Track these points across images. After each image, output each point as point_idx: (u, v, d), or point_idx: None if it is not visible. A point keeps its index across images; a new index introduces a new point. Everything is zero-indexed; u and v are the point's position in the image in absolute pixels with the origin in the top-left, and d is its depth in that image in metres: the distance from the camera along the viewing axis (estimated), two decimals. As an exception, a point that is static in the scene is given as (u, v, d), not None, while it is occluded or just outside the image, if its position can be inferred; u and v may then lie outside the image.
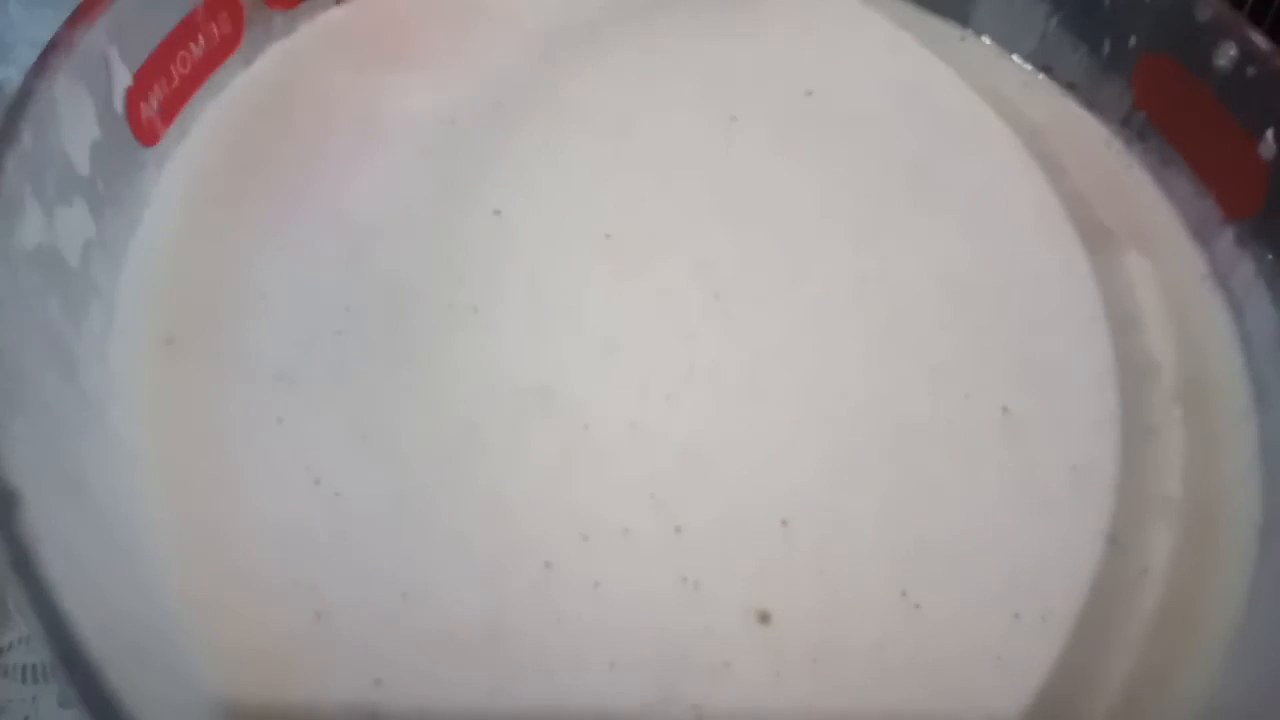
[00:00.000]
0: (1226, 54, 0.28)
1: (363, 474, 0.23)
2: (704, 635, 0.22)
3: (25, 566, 0.16)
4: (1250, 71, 0.27)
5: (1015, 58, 0.34)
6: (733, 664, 0.22)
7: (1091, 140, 0.32)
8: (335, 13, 0.32)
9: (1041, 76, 0.34)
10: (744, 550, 0.23)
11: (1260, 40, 0.27)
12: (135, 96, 0.25)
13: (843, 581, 0.23)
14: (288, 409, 0.24)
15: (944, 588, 0.23)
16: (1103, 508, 0.25)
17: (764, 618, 0.22)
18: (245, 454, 0.23)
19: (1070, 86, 0.33)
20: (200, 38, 0.27)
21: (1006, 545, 0.24)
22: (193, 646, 0.21)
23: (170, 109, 0.27)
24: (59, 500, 0.19)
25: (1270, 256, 0.27)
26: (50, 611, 0.16)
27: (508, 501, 0.23)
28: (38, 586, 0.16)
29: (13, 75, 0.51)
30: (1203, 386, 0.27)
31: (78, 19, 0.23)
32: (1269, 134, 0.27)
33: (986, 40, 0.35)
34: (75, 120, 0.23)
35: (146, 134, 0.26)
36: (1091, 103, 0.33)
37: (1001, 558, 0.24)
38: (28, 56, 0.51)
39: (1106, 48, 0.32)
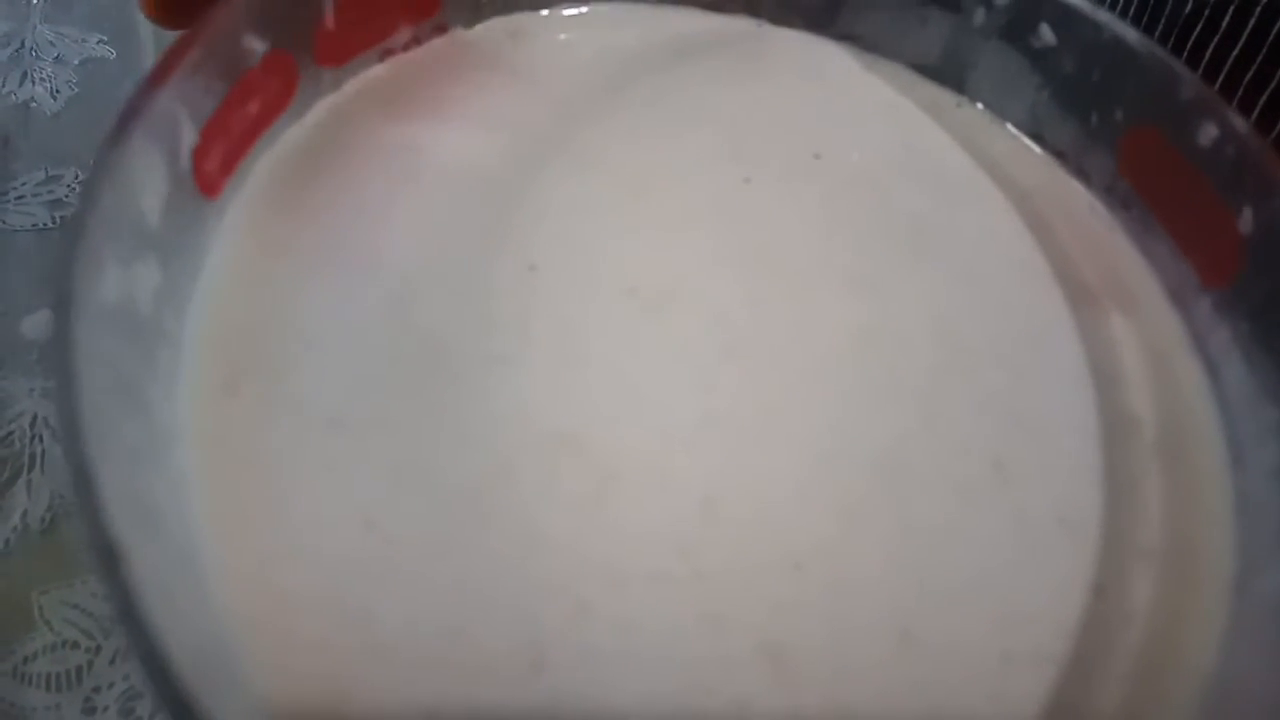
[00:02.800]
0: (1208, 133, 0.29)
1: (407, 514, 0.24)
2: (724, 671, 0.23)
3: (132, 617, 0.16)
4: (1230, 150, 0.28)
5: (1008, 125, 0.35)
6: (750, 697, 0.23)
7: (1077, 204, 0.33)
8: (377, 69, 0.32)
9: (1031, 143, 0.35)
10: (759, 592, 0.24)
11: (1239, 122, 0.28)
12: (200, 153, 0.26)
13: (850, 621, 0.24)
14: (338, 452, 0.25)
15: (942, 628, 0.24)
16: (1088, 556, 0.26)
17: (778, 654, 0.23)
18: (298, 492, 0.24)
19: (1059, 154, 0.34)
20: (257, 95, 0.28)
21: (1000, 590, 0.25)
22: (254, 674, 0.21)
23: (229, 162, 0.27)
24: (144, 540, 0.19)
25: (1245, 324, 0.28)
26: (157, 662, 0.17)
27: (543, 543, 0.24)
28: (144, 636, 0.16)
29: (39, 93, 0.52)
30: (1181, 442, 0.28)
31: (152, 83, 0.24)
32: (1247, 210, 0.28)
33: (980, 107, 0.35)
34: (148, 179, 0.24)
35: (209, 187, 0.26)
36: (1078, 169, 0.34)
37: (996, 601, 0.25)
38: (54, 73, 0.52)
39: (1094, 119, 0.33)
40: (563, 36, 0.36)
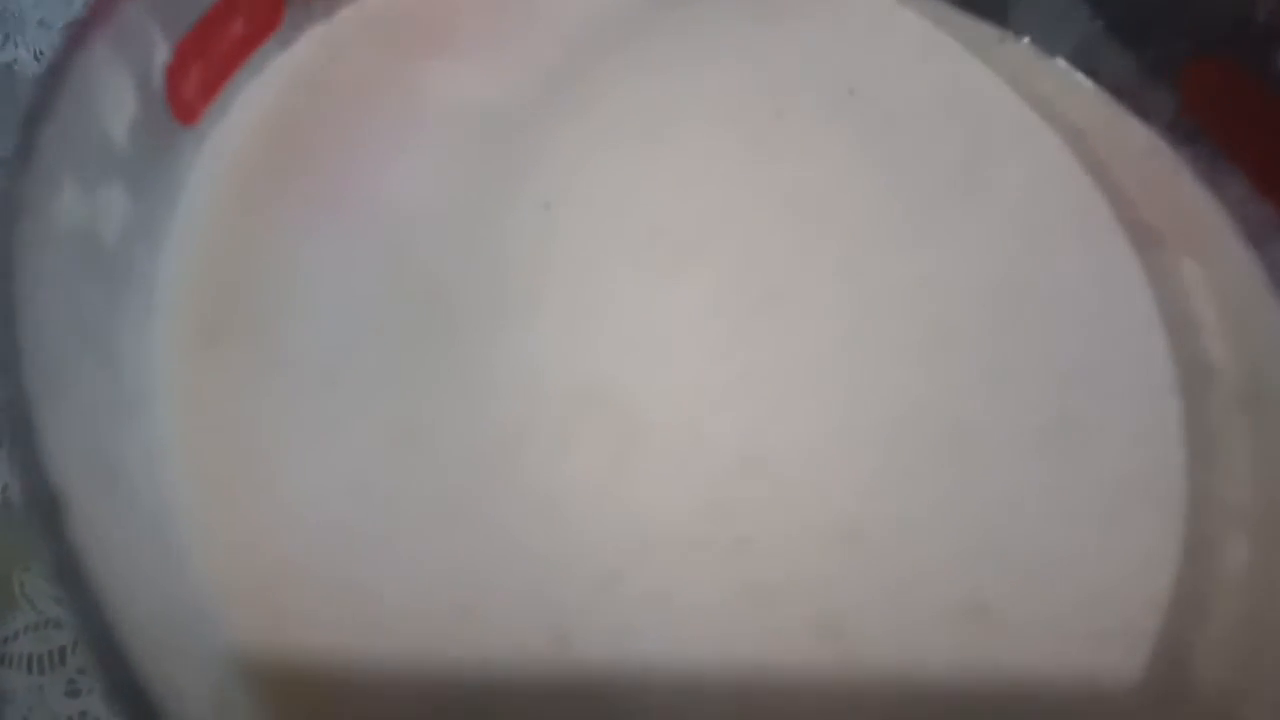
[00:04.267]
0: (1289, 56, 0.26)
1: (409, 476, 0.21)
2: (773, 646, 0.20)
3: (72, 575, 0.13)
4: (1315, 75, 0.25)
5: (1057, 61, 0.32)
6: (804, 675, 0.20)
7: (1137, 144, 0.30)
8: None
9: (1083, 79, 0.31)
10: (810, 560, 0.21)
11: (1325, 44, 0.25)
12: (175, 73, 0.23)
13: (915, 593, 0.21)
14: (332, 411, 0.22)
15: (1021, 603, 0.21)
16: (1176, 520, 0.22)
17: (836, 629, 0.20)
18: (288, 453, 0.21)
19: (1114, 90, 0.31)
20: (240, 16, 0.25)
21: (1082, 560, 0.22)
22: (239, 650, 0.18)
23: (209, 87, 0.24)
24: (98, 496, 0.16)
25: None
26: (96, 622, 0.14)
27: (563, 508, 0.21)
28: (84, 596, 0.13)
29: (23, 56, 0.49)
30: (1266, 392, 0.25)
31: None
32: (1337, 138, 0.24)
33: (1025, 42, 0.32)
34: (114, 94, 0.21)
35: (185, 113, 0.23)
36: (1136, 106, 0.30)
37: (1078, 572, 0.22)
38: (38, 38, 0.49)
39: (1153, 51, 0.29)
40: None
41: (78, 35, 0.20)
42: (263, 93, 0.26)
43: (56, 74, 0.19)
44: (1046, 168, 0.29)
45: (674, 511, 0.21)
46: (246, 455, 0.21)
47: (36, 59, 0.49)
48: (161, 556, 0.19)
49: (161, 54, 0.22)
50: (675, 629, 0.20)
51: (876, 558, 0.21)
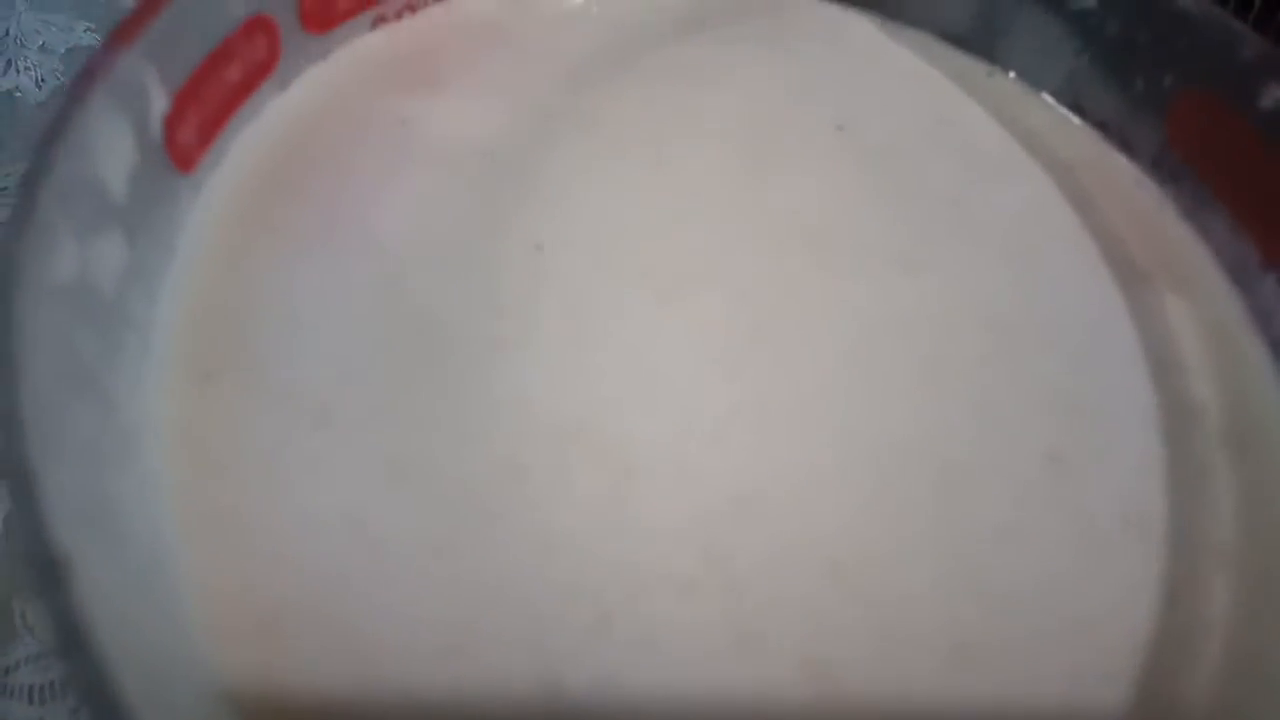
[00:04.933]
0: (1272, 94, 0.26)
1: (402, 515, 0.21)
2: (763, 691, 0.20)
3: (73, 634, 0.13)
4: (1297, 113, 0.25)
5: (1043, 95, 0.32)
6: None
7: (1122, 179, 0.30)
8: (370, 38, 0.30)
9: (1070, 114, 0.32)
10: (798, 601, 0.21)
11: (1309, 81, 0.25)
12: (173, 122, 0.23)
13: (898, 630, 0.21)
14: (325, 447, 0.22)
15: (1002, 642, 0.21)
16: (1158, 558, 0.23)
17: (823, 672, 0.20)
18: (282, 492, 0.21)
19: (1100, 125, 0.31)
20: (236, 61, 0.25)
21: (1065, 598, 0.22)
22: (233, 693, 0.18)
23: (206, 135, 0.24)
24: (94, 544, 0.16)
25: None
26: (95, 678, 0.14)
27: (555, 549, 0.21)
28: (85, 655, 0.14)
29: (24, 82, 0.49)
30: (1249, 431, 0.25)
31: (116, 40, 0.21)
32: (1318, 178, 0.25)
33: (1012, 76, 0.32)
34: (112, 147, 0.21)
35: (183, 160, 0.24)
36: (1122, 141, 0.31)
37: (1060, 611, 0.22)
38: (39, 62, 0.49)
39: (1139, 85, 0.30)
40: (567, 3, 0.32)
41: (78, 89, 0.20)
42: (259, 136, 0.26)
43: (56, 130, 0.19)
44: (1034, 202, 0.29)
45: (665, 552, 0.21)
46: (240, 495, 0.21)
47: (38, 85, 0.49)
48: (154, 598, 0.19)
49: (160, 104, 0.22)
50: (665, 672, 0.20)
51: (863, 596, 0.21)
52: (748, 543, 0.22)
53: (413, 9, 0.30)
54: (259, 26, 0.26)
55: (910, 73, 0.33)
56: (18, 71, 0.50)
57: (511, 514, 0.21)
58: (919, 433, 0.24)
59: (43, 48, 0.52)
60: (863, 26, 0.34)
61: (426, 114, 0.28)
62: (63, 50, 0.51)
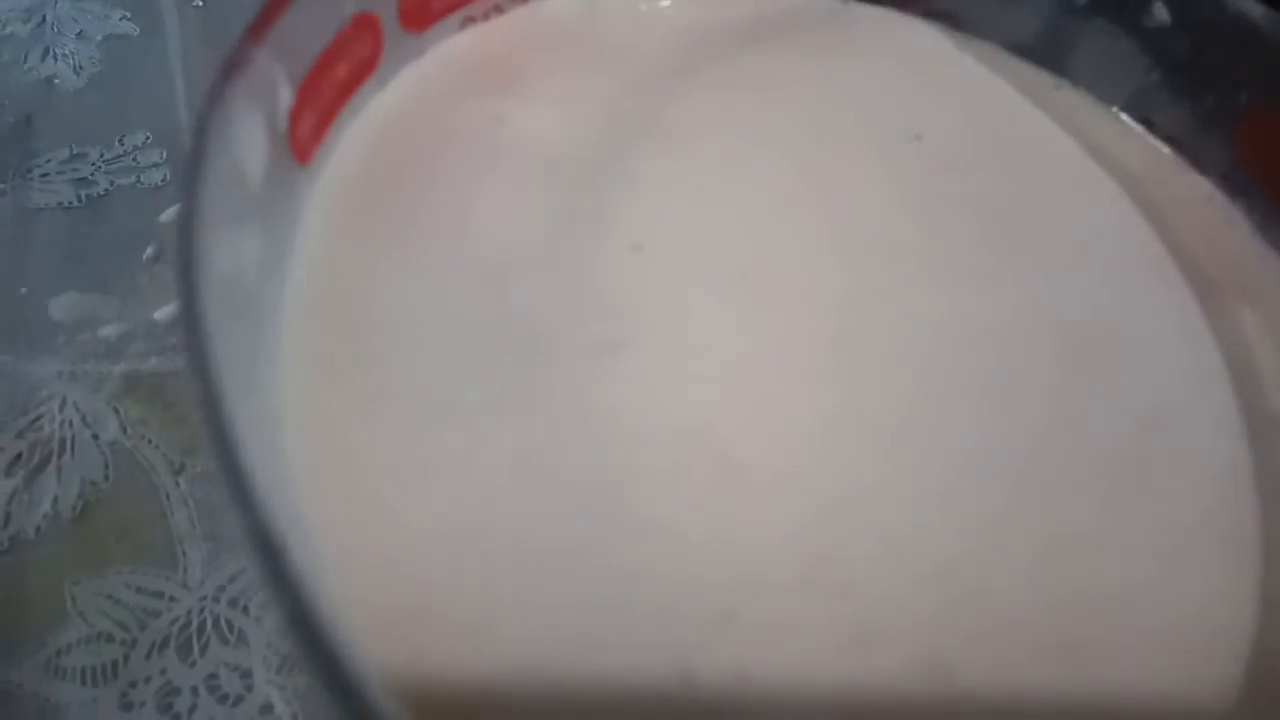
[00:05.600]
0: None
1: (532, 511, 0.21)
2: (884, 685, 0.20)
3: (303, 613, 0.14)
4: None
5: (1112, 109, 0.33)
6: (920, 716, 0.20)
7: (1193, 194, 0.31)
8: (458, 38, 0.30)
9: (1138, 127, 0.32)
10: (909, 599, 0.22)
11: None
12: (296, 115, 0.23)
13: (1006, 629, 0.22)
14: (451, 441, 0.22)
15: (1103, 639, 0.22)
16: (1253, 567, 0.23)
17: (944, 672, 0.21)
18: (416, 483, 0.22)
19: (1169, 140, 0.32)
20: (345, 58, 0.25)
21: (1158, 598, 0.23)
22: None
23: (320, 128, 0.25)
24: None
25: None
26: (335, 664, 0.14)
27: (676, 545, 0.22)
28: (318, 632, 0.14)
29: (62, 69, 0.49)
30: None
31: (250, 37, 0.21)
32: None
33: (1081, 91, 0.33)
34: (251, 140, 0.21)
35: (302, 153, 0.24)
36: (1192, 157, 0.31)
37: (1155, 611, 0.22)
38: (76, 49, 0.49)
39: (1210, 103, 0.30)
40: (642, 8, 0.33)
41: (220, 87, 0.20)
42: (363, 132, 0.26)
43: (205, 130, 0.19)
44: (1107, 214, 0.30)
45: (779, 550, 0.22)
46: (376, 483, 0.21)
47: (76, 73, 0.49)
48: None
49: (285, 98, 0.23)
50: (790, 665, 0.20)
51: (970, 595, 0.22)
52: (856, 543, 0.22)
53: (500, 9, 0.31)
54: (366, 24, 0.26)
55: (979, 84, 0.33)
56: (55, 59, 0.50)
57: (632, 511, 0.22)
58: (1004, 441, 0.25)
59: (80, 35, 0.52)
60: (930, 36, 0.34)
61: (513, 117, 0.29)
62: (99, 38, 0.52)
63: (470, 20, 0.30)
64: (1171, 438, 0.25)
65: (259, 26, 0.22)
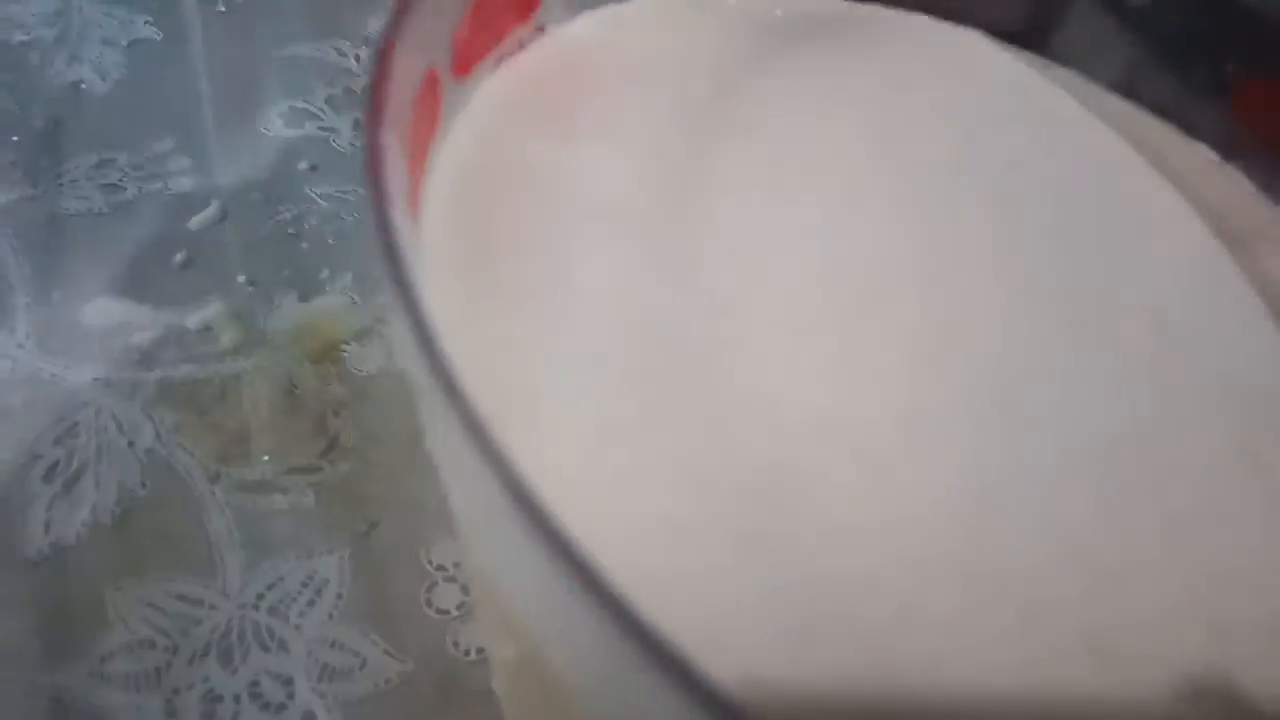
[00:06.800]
0: None
1: (708, 516, 0.22)
2: (1053, 667, 0.21)
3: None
4: None
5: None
6: (1079, 690, 0.21)
7: (1196, 160, 0.32)
8: (492, 80, 0.29)
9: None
10: (1061, 585, 0.22)
11: None
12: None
13: (1160, 613, 0.22)
14: (619, 460, 0.22)
15: (1250, 621, 0.23)
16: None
17: (1102, 647, 0.22)
18: (596, 506, 0.21)
19: (1161, 111, 0.33)
20: (424, 118, 0.26)
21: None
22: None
23: (414, 187, 0.25)
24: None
25: None
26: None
27: (838, 540, 0.22)
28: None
29: (88, 74, 0.50)
30: None
31: (373, 121, 0.22)
32: None
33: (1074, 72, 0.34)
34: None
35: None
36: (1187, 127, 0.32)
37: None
38: (101, 55, 0.49)
39: (1201, 73, 0.31)
40: (659, 30, 0.33)
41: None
42: (438, 187, 0.26)
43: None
44: (1193, 249, 0.30)
45: (933, 542, 0.22)
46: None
47: (102, 78, 0.50)
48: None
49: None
50: (969, 656, 0.21)
51: (1117, 581, 0.22)
52: (998, 528, 0.23)
53: (522, 45, 0.30)
54: (430, 81, 0.26)
55: (1059, 113, 0.34)
56: (81, 63, 0.51)
57: (791, 510, 0.22)
58: (1117, 431, 0.25)
59: (105, 40, 0.52)
60: (985, 49, 0.35)
61: (567, 159, 0.28)
62: (124, 43, 0.52)
63: (501, 59, 0.30)
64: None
65: (378, 107, 0.22)
